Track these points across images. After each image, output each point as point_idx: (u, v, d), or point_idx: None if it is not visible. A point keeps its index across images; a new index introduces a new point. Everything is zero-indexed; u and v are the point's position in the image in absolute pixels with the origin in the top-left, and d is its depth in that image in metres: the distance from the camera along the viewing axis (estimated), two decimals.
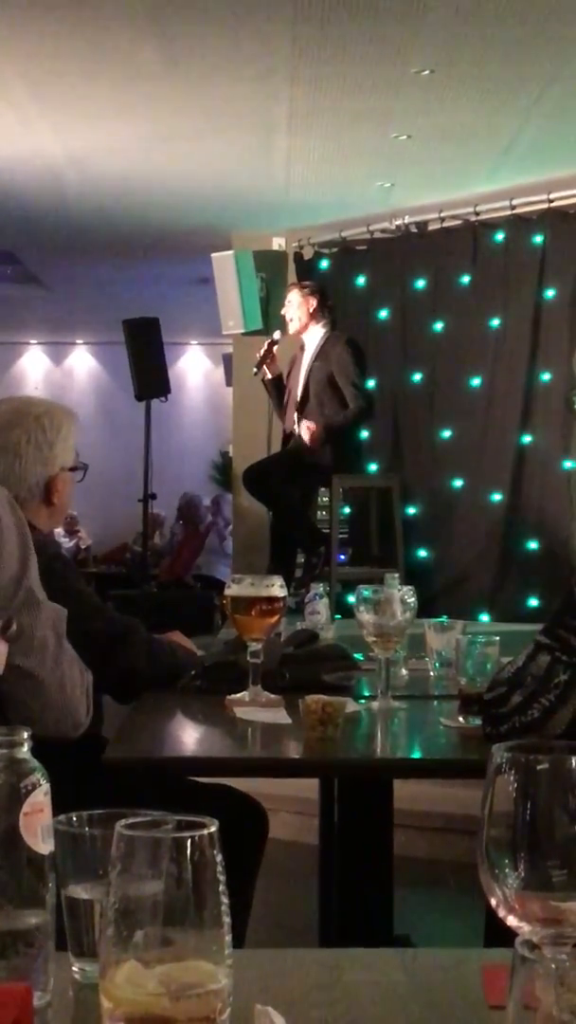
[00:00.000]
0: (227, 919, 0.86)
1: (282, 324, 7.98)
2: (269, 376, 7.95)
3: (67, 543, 13.31)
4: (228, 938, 0.87)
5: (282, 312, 7.91)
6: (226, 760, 2.31)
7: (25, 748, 1.09)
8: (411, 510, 8.12)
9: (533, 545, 7.76)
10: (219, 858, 0.87)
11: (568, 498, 7.49)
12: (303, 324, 7.64)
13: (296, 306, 7.66)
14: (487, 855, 0.90)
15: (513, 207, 7.96)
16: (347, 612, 4.99)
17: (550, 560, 7.53)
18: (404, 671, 2.88)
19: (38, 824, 1.08)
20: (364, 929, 2.36)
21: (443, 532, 8.20)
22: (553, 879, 0.88)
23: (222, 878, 0.87)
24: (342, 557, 7.69)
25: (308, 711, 2.24)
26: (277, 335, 8.09)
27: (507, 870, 0.89)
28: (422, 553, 8.15)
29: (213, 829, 0.87)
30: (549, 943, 0.75)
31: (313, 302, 7.60)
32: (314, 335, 7.63)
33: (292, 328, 7.72)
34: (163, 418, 9.98)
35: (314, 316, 7.62)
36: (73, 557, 12.78)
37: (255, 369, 8.05)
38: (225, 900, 0.86)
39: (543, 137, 7.38)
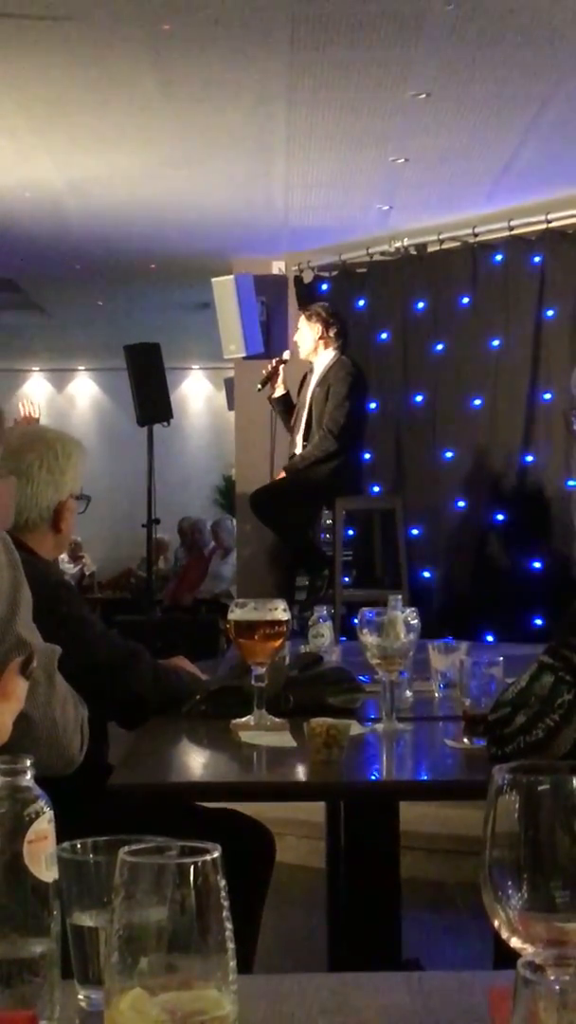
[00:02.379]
0: (232, 945, 0.86)
1: (292, 347, 7.99)
2: (275, 395, 7.95)
3: (71, 569, 13.32)
4: (233, 964, 0.86)
5: (293, 337, 7.93)
6: (232, 785, 2.31)
7: (28, 776, 1.09)
8: (414, 531, 8.12)
9: (537, 564, 7.76)
10: (223, 883, 0.87)
11: (570, 518, 7.49)
12: (311, 349, 7.64)
13: (304, 332, 7.67)
14: (490, 877, 0.90)
15: (511, 228, 7.98)
16: (351, 634, 4.99)
17: (553, 579, 7.53)
18: (408, 693, 2.88)
19: (42, 852, 1.08)
20: (373, 952, 2.35)
21: (446, 553, 8.20)
22: (556, 900, 0.88)
23: (226, 904, 0.87)
24: (346, 579, 7.69)
25: (313, 734, 2.24)
26: (287, 354, 8.10)
27: (510, 891, 0.89)
28: (426, 574, 8.15)
29: (216, 855, 0.87)
30: (552, 964, 0.75)
31: (319, 328, 7.59)
32: (322, 359, 7.63)
33: (302, 353, 7.72)
34: (166, 443, 9.99)
35: (321, 341, 7.61)
36: (78, 583, 12.79)
37: (259, 386, 8.05)
38: (229, 926, 0.86)
39: (540, 158, 7.40)
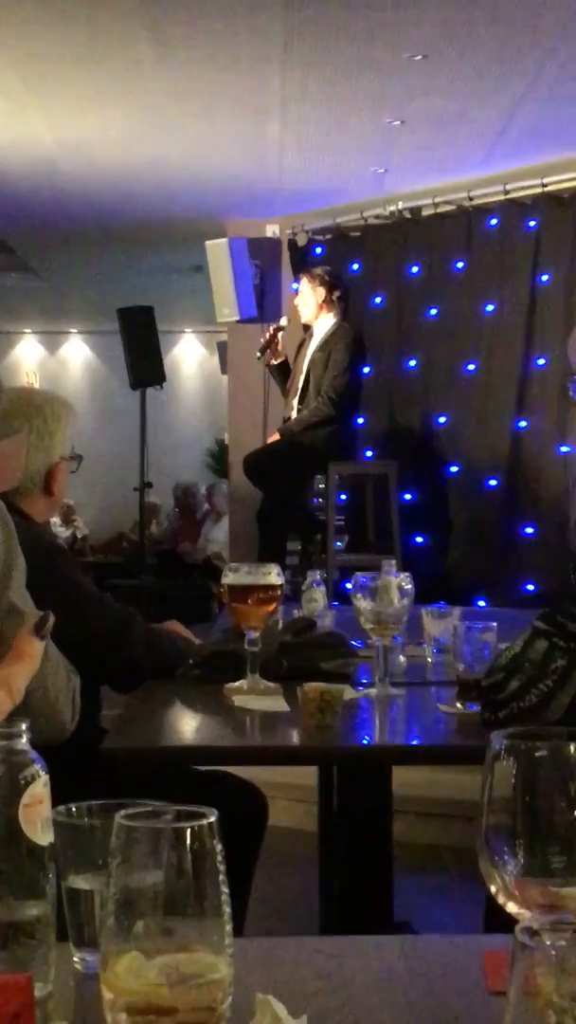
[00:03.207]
0: (228, 909, 0.87)
1: (292, 312, 7.96)
2: (274, 361, 7.94)
3: (64, 532, 13.31)
4: (229, 928, 0.87)
5: (295, 300, 7.89)
6: (225, 749, 2.32)
7: (24, 739, 1.09)
8: (407, 496, 8.12)
9: (530, 530, 7.76)
10: (219, 847, 0.87)
11: (565, 484, 7.50)
12: (313, 313, 7.62)
13: (306, 295, 7.63)
14: (486, 842, 0.90)
15: (507, 192, 7.95)
16: (344, 599, 4.99)
17: (547, 545, 7.54)
18: (402, 658, 2.89)
19: (38, 815, 1.08)
20: (364, 915, 2.37)
21: (440, 518, 8.20)
22: (552, 865, 0.88)
23: (222, 868, 0.87)
24: (338, 544, 7.70)
25: (306, 699, 2.24)
26: (284, 321, 8.08)
27: (506, 857, 0.89)
28: (419, 539, 8.15)
29: (213, 819, 0.87)
30: (549, 929, 0.76)
31: (322, 292, 7.56)
32: (323, 324, 7.61)
33: (303, 317, 7.69)
34: (158, 407, 9.97)
35: (323, 306, 7.58)
36: (70, 546, 12.78)
37: (258, 354, 8.04)
38: (225, 890, 0.87)
39: (537, 122, 7.36)
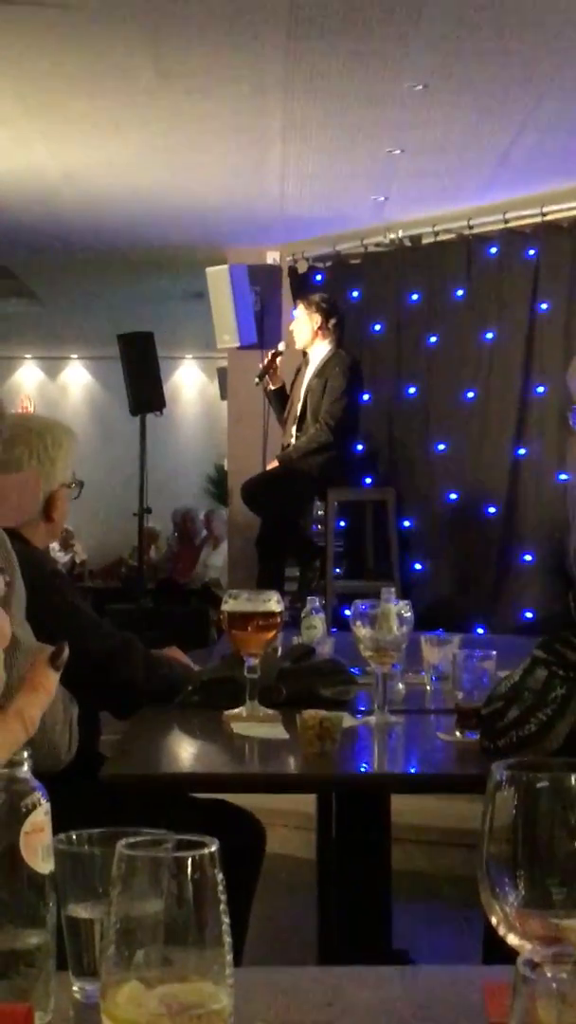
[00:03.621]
0: (228, 939, 0.86)
1: (288, 337, 7.99)
2: (272, 387, 7.96)
3: (63, 557, 13.30)
4: (230, 958, 0.86)
5: (290, 327, 7.92)
6: (224, 776, 2.32)
7: (25, 767, 1.09)
8: (406, 523, 8.12)
9: (528, 558, 7.76)
10: (220, 877, 0.87)
11: (565, 511, 7.49)
12: (308, 340, 7.64)
13: (302, 322, 7.65)
14: (487, 872, 0.90)
15: (507, 221, 7.98)
16: (343, 625, 4.99)
17: (545, 573, 7.53)
18: (400, 685, 2.88)
19: (38, 844, 1.08)
20: (363, 943, 2.36)
21: (438, 545, 8.21)
22: (553, 897, 0.88)
23: (223, 897, 0.87)
24: (337, 570, 7.69)
25: (305, 726, 2.24)
26: (282, 346, 8.10)
27: (507, 888, 0.89)
28: (417, 566, 8.15)
29: (214, 848, 0.87)
30: (550, 962, 0.76)
31: (318, 319, 7.58)
32: (319, 350, 7.62)
33: (298, 343, 7.72)
34: (158, 432, 9.98)
35: (319, 332, 7.60)
36: (69, 571, 12.77)
37: (257, 379, 8.05)
38: (226, 920, 0.86)
39: (536, 151, 7.39)
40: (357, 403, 7.76)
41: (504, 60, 6.09)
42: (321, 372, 7.55)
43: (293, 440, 7.59)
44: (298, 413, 7.63)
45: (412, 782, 2.41)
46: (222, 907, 0.86)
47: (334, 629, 4.53)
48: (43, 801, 1.09)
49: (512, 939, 0.88)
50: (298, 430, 7.60)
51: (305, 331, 7.64)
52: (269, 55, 6.05)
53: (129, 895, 0.86)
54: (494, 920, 0.89)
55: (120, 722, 2.89)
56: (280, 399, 7.94)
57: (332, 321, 7.61)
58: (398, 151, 7.45)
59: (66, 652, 0.91)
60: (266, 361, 7.99)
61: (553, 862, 0.88)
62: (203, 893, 0.86)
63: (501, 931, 0.88)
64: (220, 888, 0.86)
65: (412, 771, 2.42)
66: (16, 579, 1.80)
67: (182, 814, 2.72)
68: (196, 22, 5.71)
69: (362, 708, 2.67)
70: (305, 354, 7.76)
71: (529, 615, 7.58)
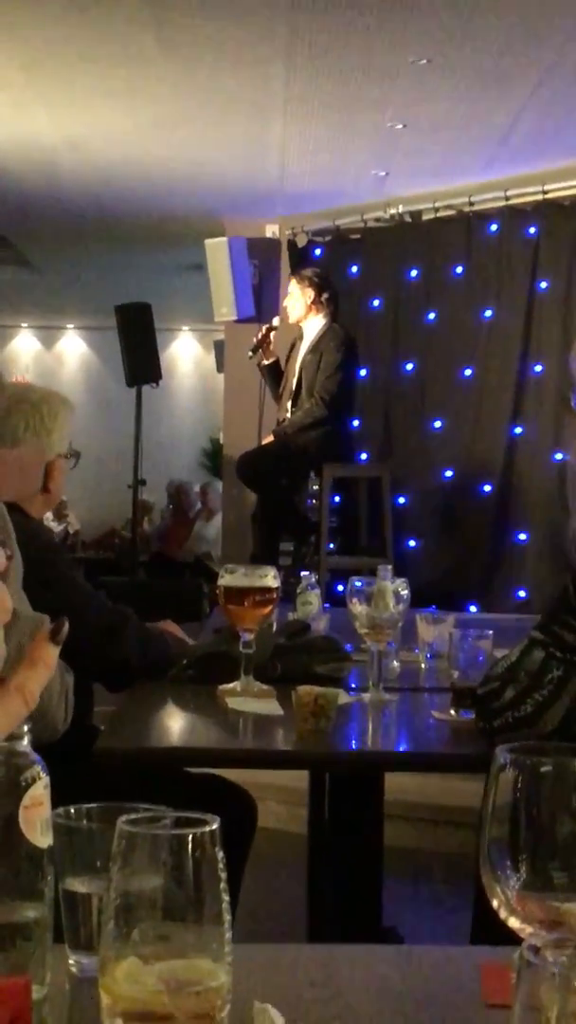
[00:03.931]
0: (228, 917, 0.86)
1: (282, 312, 7.97)
2: (265, 362, 7.95)
3: (56, 528, 13.29)
4: (228, 935, 0.86)
5: (283, 302, 7.90)
6: (217, 751, 2.32)
7: (24, 741, 1.08)
8: (401, 500, 8.12)
9: (523, 537, 7.77)
10: (220, 855, 0.87)
11: (562, 491, 7.50)
12: (301, 315, 7.62)
13: (295, 296, 7.63)
14: (488, 856, 0.90)
15: (507, 198, 7.96)
16: (336, 601, 4.98)
17: (539, 552, 7.55)
18: (396, 663, 2.88)
19: (37, 818, 1.07)
20: (353, 920, 2.37)
21: (433, 523, 8.21)
22: (554, 880, 0.88)
23: (223, 875, 0.86)
24: (331, 546, 7.69)
25: (300, 703, 2.24)
26: (276, 321, 8.08)
27: (508, 871, 0.89)
28: (411, 543, 8.16)
29: (215, 826, 0.87)
30: (552, 947, 0.76)
31: (311, 293, 7.56)
32: (313, 325, 7.60)
33: (291, 318, 7.70)
34: (153, 404, 9.97)
35: (313, 307, 7.58)
36: (62, 542, 12.76)
37: (250, 353, 8.04)
38: (226, 898, 0.86)
39: (539, 129, 7.37)
40: (353, 378, 7.75)
41: (508, 36, 6.06)
42: (315, 347, 7.53)
43: (288, 415, 7.58)
44: (293, 388, 7.62)
45: (406, 761, 2.41)
46: (222, 885, 0.86)
47: (327, 605, 4.53)
48: (42, 775, 1.09)
49: (513, 922, 0.88)
50: (293, 405, 7.59)
51: (299, 306, 7.62)
52: (272, 27, 6.01)
53: (129, 871, 0.86)
54: (495, 903, 0.89)
55: (113, 695, 2.89)
56: (274, 374, 7.92)
57: (325, 295, 7.59)
58: (400, 126, 7.41)
59: (66, 627, 0.91)
60: (260, 336, 7.98)
61: (554, 846, 0.88)
62: (203, 871, 0.85)
63: (502, 914, 0.88)
64: (220, 866, 0.86)
65: (406, 750, 2.42)
66: (14, 550, 1.79)
67: (174, 788, 2.73)
68: None
69: (356, 685, 2.67)
70: (300, 329, 7.74)
71: (522, 594, 7.59)
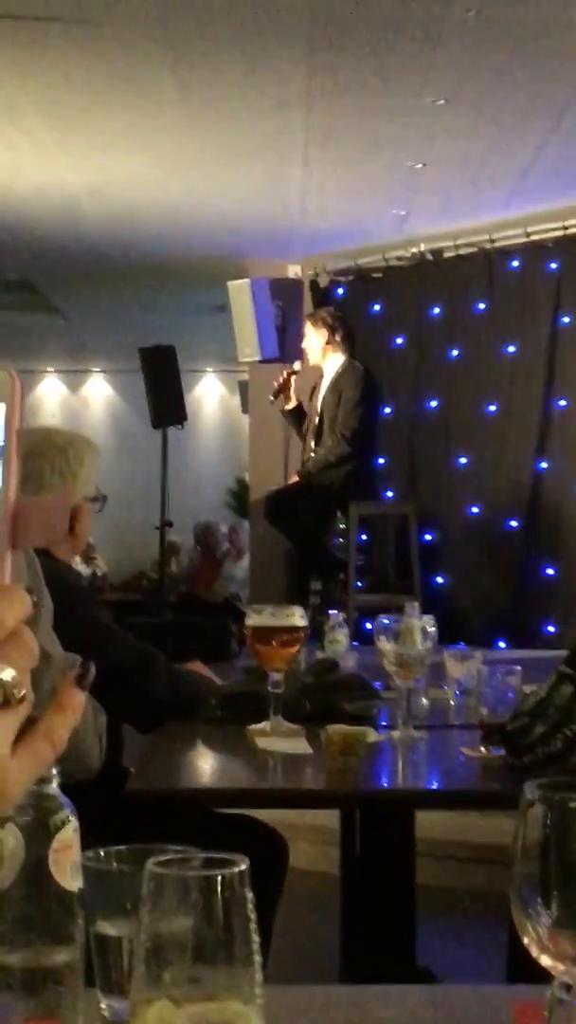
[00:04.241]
0: (258, 958, 0.86)
1: (303, 355, 8.02)
2: (288, 406, 7.99)
3: (84, 571, 13.31)
4: (259, 977, 0.86)
5: (302, 344, 7.95)
6: (248, 791, 2.31)
7: (54, 784, 1.08)
8: (427, 537, 8.11)
9: (551, 572, 7.74)
10: (250, 896, 0.86)
11: None
12: (319, 355, 7.68)
13: (311, 338, 7.70)
14: (519, 893, 0.89)
15: (528, 234, 7.98)
16: (364, 639, 4.98)
17: (568, 587, 7.52)
18: (424, 700, 2.87)
19: (67, 861, 1.07)
20: (387, 959, 2.35)
21: (460, 559, 8.19)
22: None
23: (253, 916, 0.86)
24: (359, 584, 7.69)
25: (330, 742, 2.23)
26: (297, 365, 8.12)
27: (539, 908, 0.88)
28: (439, 580, 8.14)
29: (244, 867, 0.86)
30: None
31: (325, 333, 7.62)
32: (332, 364, 7.64)
33: (311, 360, 7.76)
34: (179, 445, 10.00)
35: (328, 347, 7.64)
36: (90, 585, 12.78)
37: (271, 398, 8.08)
38: (256, 938, 0.86)
39: (558, 165, 7.39)
40: (374, 414, 7.77)
41: (525, 75, 6.09)
42: (335, 385, 7.57)
43: (312, 455, 7.60)
44: (316, 427, 7.65)
45: (437, 798, 2.40)
46: (252, 926, 0.86)
47: (355, 643, 4.52)
48: (72, 818, 1.09)
49: (545, 960, 0.87)
50: (316, 444, 7.61)
51: (316, 347, 7.70)
52: (290, 69, 6.06)
53: (158, 913, 0.86)
54: (526, 940, 0.88)
55: (142, 736, 2.88)
56: (297, 418, 7.96)
57: (339, 334, 7.64)
58: (419, 165, 7.45)
59: (92, 671, 0.92)
60: (281, 379, 8.03)
61: None
62: (233, 911, 0.85)
63: (533, 952, 0.88)
64: (250, 907, 0.86)
65: (437, 787, 2.41)
66: (44, 596, 1.80)
67: (205, 828, 2.72)
68: (218, 37, 5.73)
69: (385, 723, 2.66)
70: (321, 369, 7.78)
71: (551, 629, 7.56)
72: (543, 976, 0.91)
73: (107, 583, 13.91)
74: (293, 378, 8.00)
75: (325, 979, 3.48)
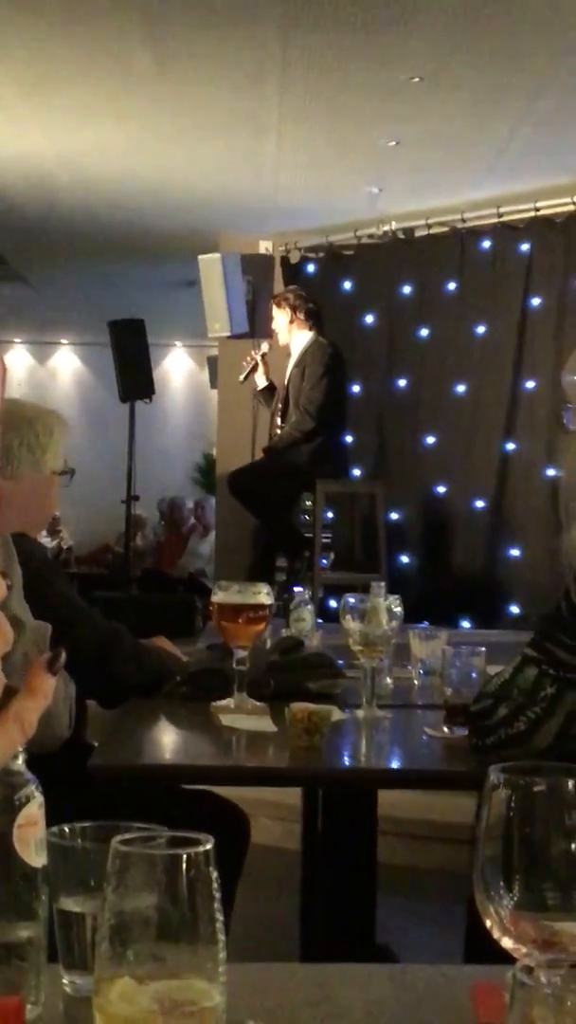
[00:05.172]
0: (222, 936, 0.86)
1: (272, 336, 8.02)
2: (258, 387, 8.00)
3: (49, 543, 13.28)
4: (223, 955, 0.86)
5: (272, 325, 7.95)
6: (211, 768, 2.31)
7: (20, 760, 1.08)
8: (394, 516, 8.13)
9: (515, 552, 7.78)
10: (215, 875, 0.87)
11: (554, 507, 7.51)
12: (286, 335, 7.69)
13: (277, 319, 7.71)
14: (482, 875, 0.90)
15: (500, 215, 7.99)
16: (329, 617, 4.99)
17: (532, 568, 7.55)
18: (389, 680, 2.88)
19: (32, 837, 1.07)
20: (347, 938, 2.36)
21: (426, 538, 8.22)
22: (548, 900, 0.88)
23: (217, 895, 0.86)
24: (324, 562, 7.70)
25: (294, 720, 2.24)
26: (265, 346, 8.11)
27: (501, 890, 0.89)
28: (404, 559, 8.16)
29: (209, 846, 0.87)
30: (545, 967, 0.76)
31: (289, 312, 7.64)
32: (298, 342, 7.65)
33: (280, 340, 7.77)
34: (147, 419, 9.97)
35: (293, 324, 7.64)
36: (55, 557, 12.75)
37: (241, 378, 8.09)
38: (220, 917, 0.86)
39: (531, 146, 7.39)
40: (340, 390, 7.76)
41: (501, 55, 6.09)
42: (300, 362, 7.59)
43: (279, 431, 7.60)
44: (282, 404, 7.65)
45: (399, 778, 2.41)
46: (216, 905, 0.86)
47: (320, 621, 4.53)
48: (37, 794, 1.09)
49: (506, 942, 0.88)
50: (283, 421, 7.61)
51: (282, 326, 7.71)
52: (267, 45, 6.04)
53: (123, 891, 0.86)
54: (488, 923, 0.89)
55: (107, 712, 2.88)
56: (268, 396, 7.96)
57: (302, 312, 7.64)
58: (393, 143, 7.44)
59: (63, 657, 0.92)
60: (250, 359, 8.03)
61: (548, 866, 0.88)
62: (198, 891, 0.85)
63: (495, 934, 0.88)
64: (215, 886, 0.86)
65: (399, 767, 2.42)
66: (14, 568, 1.80)
67: (167, 803, 2.72)
68: (194, 11, 5.70)
69: (350, 702, 2.67)
70: (289, 349, 7.79)
71: (515, 610, 7.60)
72: (500, 956, 0.91)
73: (72, 556, 13.88)
74: (263, 357, 8.01)
75: (285, 955, 3.49)
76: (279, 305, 7.74)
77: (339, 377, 7.74)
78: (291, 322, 7.65)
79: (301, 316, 7.64)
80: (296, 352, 7.66)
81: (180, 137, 7.56)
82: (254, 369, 7.99)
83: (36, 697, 0.88)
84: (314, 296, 7.90)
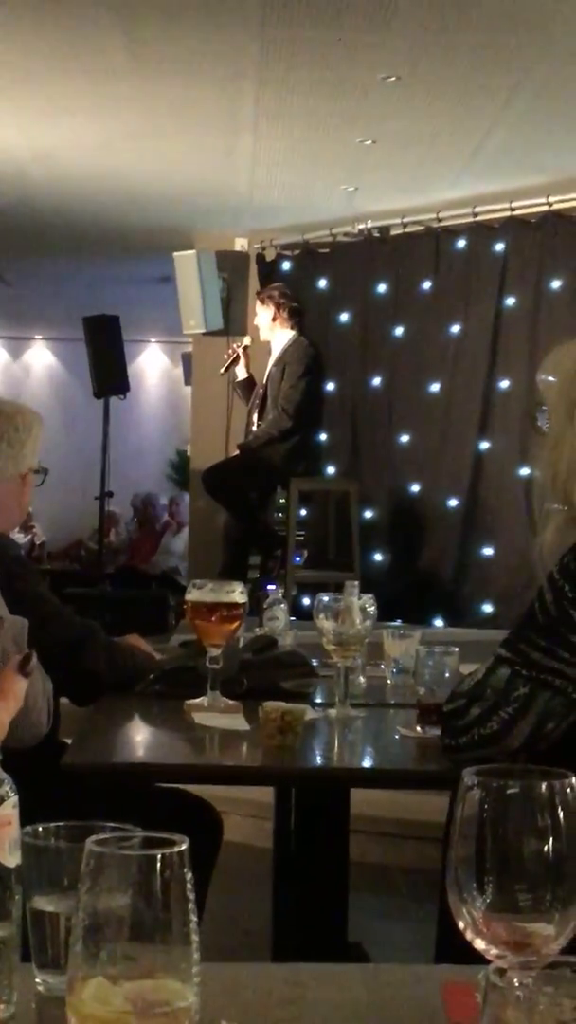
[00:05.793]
0: (196, 937, 0.86)
1: (252, 331, 8.04)
2: (238, 379, 8.01)
3: (21, 539, 13.24)
4: (196, 956, 0.87)
5: (254, 321, 7.97)
6: (184, 767, 2.31)
7: None
8: (368, 514, 8.14)
9: (488, 552, 7.80)
10: (189, 875, 0.87)
11: (526, 507, 7.51)
12: (268, 332, 7.71)
13: (260, 315, 7.73)
14: (455, 877, 0.90)
15: (475, 215, 8.00)
16: (302, 615, 4.99)
17: (505, 567, 7.57)
18: (362, 679, 2.89)
19: (6, 837, 1.07)
20: (318, 936, 2.37)
21: (399, 537, 8.23)
22: (520, 902, 0.89)
23: (191, 896, 0.87)
24: (298, 559, 7.70)
25: (267, 719, 2.24)
26: (247, 340, 8.13)
27: (474, 892, 0.89)
28: (378, 557, 8.17)
29: (184, 847, 0.87)
30: (517, 968, 0.76)
31: (272, 310, 7.65)
32: (279, 339, 7.66)
33: (261, 336, 7.79)
34: (121, 415, 9.95)
35: (276, 322, 7.66)
36: (27, 553, 12.71)
37: (222, 370, 8.11)
38: (194, 918, 0.87)
39: (507, 146, 7.41)
40: (318, 390, 7.78)
41: (477, 55, 6.10)
42: (280, 360, 7.60)
43: (255, 429, 7.61)
44: (259, 402, 7.66)
45: (372, 777, 2.41)
46: (190, 905, 0.86)
47: (292, 618, 4.53)
48: (11, 794, 1.09)
49: (479, 943, 0.88)
50: (260, 419, 7.62)
51: (264, 324, 7.72)
52: (243, 42, 6.03)
53: (97, 891, 0.86)
54: (461, 924, 0.89)
55: (79, 710, 2.88)
56: (247, 389, 7.97)
57: (285, 310, 7.66)
58: (369, 142, 7.44)
59: (34, 660, 0.92)
60: (231, 353, 8.03)
61: (520, 868, 0.89)
62: (172, 891, 0.86)
63: (468, 935, 0.89)
64: (189, 887, 0.87)
65: (372, 766, 2.42)
66: None
67: (140, 802, 2.72)
68: (171, 6, 5.69)
69: (322, 701, 2.67)
70: (270, 346, 7.80)
71: (488, 609, 7.62)
72: (471, 956, 0.92)
73: (44, 552, 13.85)
74: (244, 351, 8.03)
75: (257, 953, 3.50)
76: (263, 302, 7.75)
77: (318, 377, 7.77)
78: (274, 319, 7.66)
79: (284, 314, 7.66)
80: (276, 350, 7.66)
81: (156, 133, 7.55)
82: (235, 361, 8.00)
83: (8, 699, 0.88)
84: (295, 296, 7.91)
